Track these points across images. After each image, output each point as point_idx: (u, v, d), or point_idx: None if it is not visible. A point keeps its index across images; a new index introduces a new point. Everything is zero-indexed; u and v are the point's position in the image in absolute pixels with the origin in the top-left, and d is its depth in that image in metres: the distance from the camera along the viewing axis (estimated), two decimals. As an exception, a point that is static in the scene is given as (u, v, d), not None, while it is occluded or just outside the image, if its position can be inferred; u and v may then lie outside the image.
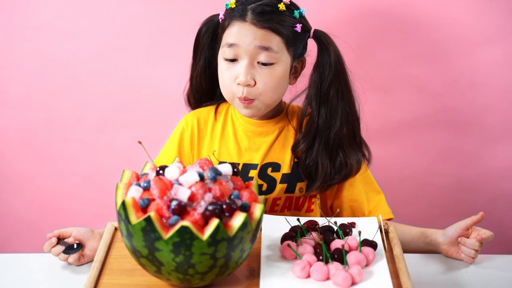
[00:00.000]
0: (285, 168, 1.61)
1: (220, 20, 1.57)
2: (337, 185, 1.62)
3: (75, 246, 1.50)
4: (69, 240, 1.51)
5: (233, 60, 1.52)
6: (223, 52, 1.53)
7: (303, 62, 1.61)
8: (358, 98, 1.61)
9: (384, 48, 1.87)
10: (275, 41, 1.50)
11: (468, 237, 1.53)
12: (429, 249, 1.57)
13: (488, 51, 1.86)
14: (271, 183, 1.60)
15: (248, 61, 1.50)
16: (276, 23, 1.49)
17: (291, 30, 1.51)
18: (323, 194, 1.63)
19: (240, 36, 1.50)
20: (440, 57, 1.87)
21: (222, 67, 1.54)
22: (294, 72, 1.59)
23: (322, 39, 1.57)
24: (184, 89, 1.71)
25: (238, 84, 1.51)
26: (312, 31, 1.57)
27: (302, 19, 1.55)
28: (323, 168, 1.57)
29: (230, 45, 1.51)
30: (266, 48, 1.49)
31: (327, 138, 1.58)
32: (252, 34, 1.49)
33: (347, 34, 1.86)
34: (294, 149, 1.60)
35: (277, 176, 1.60)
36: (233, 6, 1.53)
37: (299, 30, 1.52)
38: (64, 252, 1.48)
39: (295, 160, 1.60)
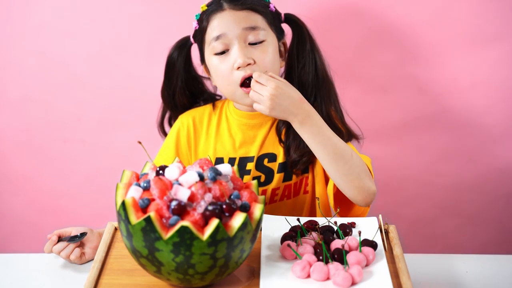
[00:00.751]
0: (281, 158, 1.61)
1: (195, 29, 1.60)
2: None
3: (78, 235, 1.50)
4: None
5: (224, 52, 1.53)
6: (212, 49, 1.54)
7: (285, 45, 1.63)
8: (334, 76, 1.63)
9: (383, 48, 1.87)
10: (259, 20, 1.53)
11: None
12: None
13: (488, 51, 1.85)
14: (269, 174, 1.61)
15: (240, 44, 1.51)
16: (252, 3, 1.53)
17: (267, 9, 1.56)
18: (322, 181, 1.62)
19: (224, 24, 1.52)
20: (440, 57, 1.87)
21: (215, 62, 1.54)
22: (280, 56, 1.60)
23: (293, 18, 1.62)
24: (157, 119, 1.74)
25: (238, 68, 1.50)
26: (283, 14, 1.61)
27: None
28: (302, 144, 1.55)
29: (218, 38, 1.52)
30: (253, 28, 1.51)
31: None
32: (234, 18, 1.51)
33: (347, 34, 1.86)
34: (278, 132, 1.61)
35: (274, 166, 1.61)
36: (205, 8, 1.56)
37: (274, 10, 1.58)
38: (69, 241, 1.48)
39: (281, 145, 1.60)
